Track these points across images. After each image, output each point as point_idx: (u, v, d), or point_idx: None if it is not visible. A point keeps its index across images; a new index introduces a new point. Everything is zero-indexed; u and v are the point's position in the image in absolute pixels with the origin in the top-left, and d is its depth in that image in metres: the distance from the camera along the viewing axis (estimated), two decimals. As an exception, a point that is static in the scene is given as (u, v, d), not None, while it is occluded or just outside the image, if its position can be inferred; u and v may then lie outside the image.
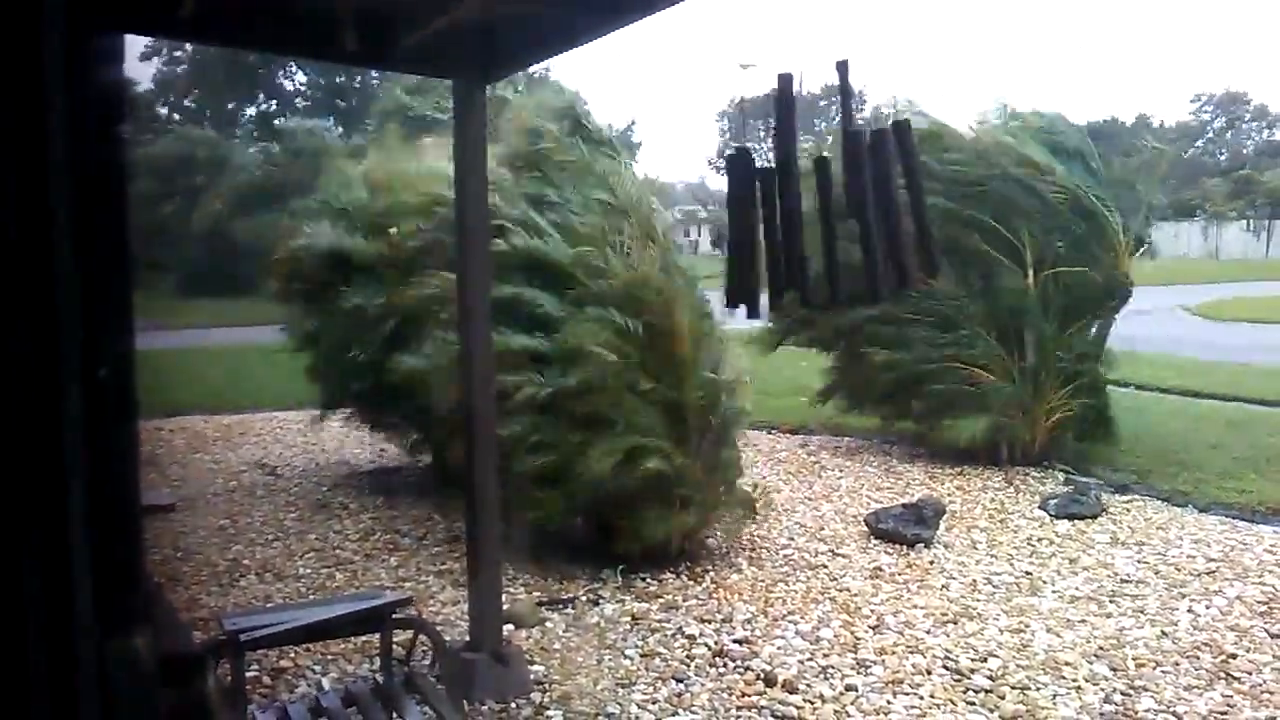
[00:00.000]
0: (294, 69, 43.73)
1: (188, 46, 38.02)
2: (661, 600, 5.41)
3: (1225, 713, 4.17)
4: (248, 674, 4.02)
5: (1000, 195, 8.40)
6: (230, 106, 43.79)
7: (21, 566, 0.77)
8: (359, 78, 40.54)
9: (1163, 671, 4.55)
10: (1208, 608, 5.33)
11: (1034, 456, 8.55)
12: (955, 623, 5.12)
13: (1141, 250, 8.82)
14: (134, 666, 0.84)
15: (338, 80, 41.76)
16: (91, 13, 0.96)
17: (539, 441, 5.53)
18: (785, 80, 2.90)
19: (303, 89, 45.21)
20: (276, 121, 35.74)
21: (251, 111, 44.65)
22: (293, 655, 4.59)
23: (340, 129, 36.76)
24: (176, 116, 41.40)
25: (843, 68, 2.89)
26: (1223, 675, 4.51)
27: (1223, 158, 67.83)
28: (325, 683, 4.37)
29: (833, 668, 4.58)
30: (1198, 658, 4.70)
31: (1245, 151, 69.68)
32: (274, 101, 45.11)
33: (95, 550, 0.83)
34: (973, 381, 8.40)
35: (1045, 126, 9.03)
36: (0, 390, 0.80)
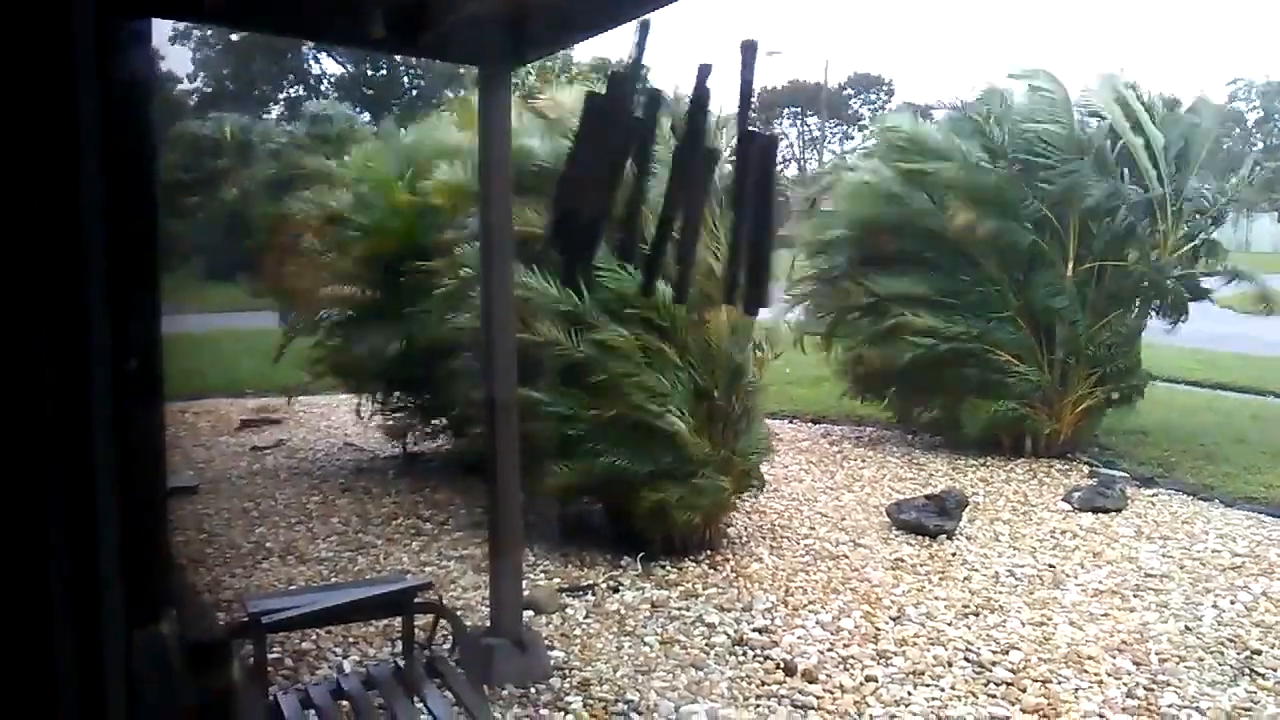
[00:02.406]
0: (322, 54, 43.81)
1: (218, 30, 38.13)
2: (681, 588, 5.41)
3: (1249, 709, 4.14)
4: (270, 656, 4.05)
5: (1065, 177, 8.28)
6: (259, 91, 43.93)
7: (49, 552, 0.78)
8: (384, 64, 40.58)
9: (1186, 667, 4.52)
10: (1232, 603, 5.28)
11: (1058, 448, 8.51)
12: (977, 615, 5.10)
13: (1189, 245, 8.75)
14: (160, 653, 0.84)
15: (368, 71, 41.83)
16: (120, -2, 0.96)
17: (558, 411, 5.53)
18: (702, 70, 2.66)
19: (329, 75, 45.33)
20: (305, 105, 35.79)
21: (281, 97, 44.78)
22: (314, 638, 4.62)
23: (367, 115, 36.81)
24: (203, 100, 41.57)
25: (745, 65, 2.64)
26: (1246, 671, 4.47)
27: (1257, 148, 66.59)
28: (346, 665, 4.40)
29: (853, 658, 4.58)
30: (1222, 653, 4.66)
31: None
32: (301, 86, 45.21)
33: (122, 535, 0.83)
34: (1001, 371, 8.34)
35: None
36: (31, 374, 0.80)
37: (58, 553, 0.77)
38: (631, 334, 5.48)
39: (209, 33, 41.07)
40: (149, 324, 0.96)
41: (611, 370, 5.45)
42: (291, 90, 45.03)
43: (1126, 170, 8.42)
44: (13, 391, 0.77)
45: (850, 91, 63.54)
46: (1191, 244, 8.74)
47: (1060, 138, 8.29)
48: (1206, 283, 9.09)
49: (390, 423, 8.25)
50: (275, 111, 42.59)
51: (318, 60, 44.63)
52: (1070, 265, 8.37)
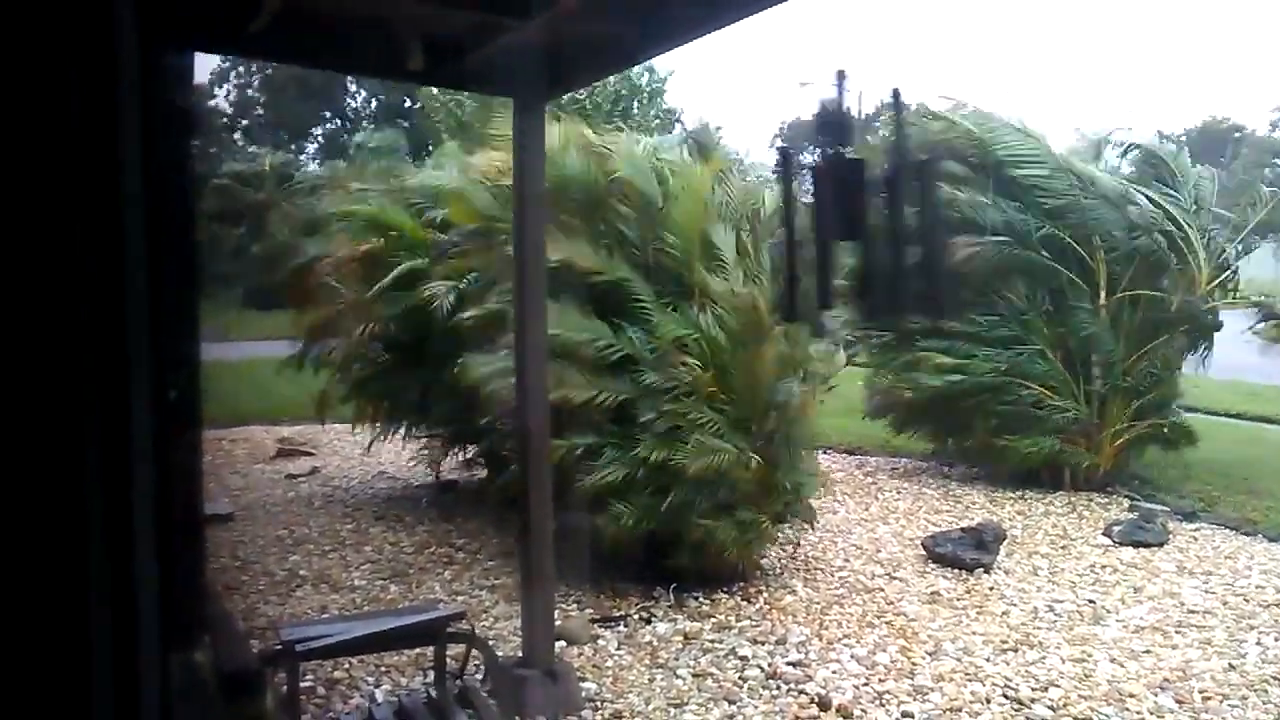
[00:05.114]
0: (358, 88, 44.39)
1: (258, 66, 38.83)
2: (714, 620, 5.37)
3: (1297, 750, 4.05)
4: (302, 684, 4.05)
5: (1080, 214, 8.21)
6: (295, 124, 44.58)
7: (88, 578, 0.78)
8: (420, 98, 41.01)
9: (1229, 705, 4.42)
10: (1277, 639, 5.17)
11: (1097, 481, 8.39)
12: (1015, 650, 5.02)
13: (1224, 276, 8.63)
14: (194, 680, 0.84)
15: (405, 105, 42.30)
16: (163, 32, 0.98)
17: (607, 454, 5.49)
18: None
19: (366, 107, 45.89)
20: (343, 139, 36.31)
21: (319, 131, 45.43)
22: (347, 666, 4.62)
23: (405, 145, 37.19)
24: (241, 135, 42.23)
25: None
26: (1294, 711, 4.37)
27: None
28: (378, 695, 4.40)
29: (889, 693, 4.51)
30: (1266, 691, 4.56)
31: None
32: (339, 120, 45.83)
33: (159, 562, 0.84)
34: (1037, 403, 8.24)
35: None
36: (73, 401, 0.81)
37: (97, 579, 0.78)
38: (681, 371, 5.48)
39: (249, 69, 41.80)
40: (189, 353, 0.97)
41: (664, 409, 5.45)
42: (330, 125, 45.63)
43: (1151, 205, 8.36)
44: (55, 419, 0.78)
45: (879, 120, 63.48)
46: (1221, 276, 8.64)
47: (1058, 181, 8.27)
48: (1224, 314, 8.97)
49: (424, 451, 8.27)
50: (313, 145, 43.21)
51: (354, 95, 45.22)
52: (1103, 295, 8.28)
